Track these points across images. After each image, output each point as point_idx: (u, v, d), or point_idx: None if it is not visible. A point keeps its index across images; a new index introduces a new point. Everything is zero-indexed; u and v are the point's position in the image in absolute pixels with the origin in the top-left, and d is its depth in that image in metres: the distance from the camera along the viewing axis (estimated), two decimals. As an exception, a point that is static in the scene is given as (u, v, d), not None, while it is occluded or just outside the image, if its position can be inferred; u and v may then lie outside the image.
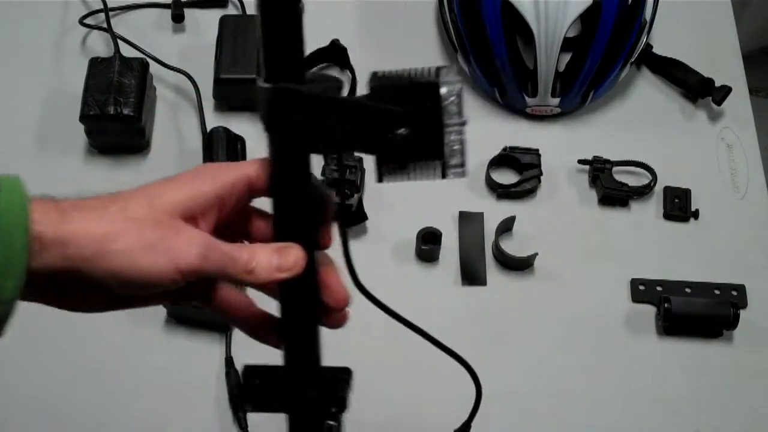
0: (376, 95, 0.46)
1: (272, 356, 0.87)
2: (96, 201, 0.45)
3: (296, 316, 0.51)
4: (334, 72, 1.05)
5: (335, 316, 0.52)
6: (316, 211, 0.49)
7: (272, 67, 0.46)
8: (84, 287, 0.45)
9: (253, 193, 0.49)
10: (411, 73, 0.46)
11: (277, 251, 0.48)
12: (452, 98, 0.46)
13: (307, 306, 0.51)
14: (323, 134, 0.46)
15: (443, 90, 0.45)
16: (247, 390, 0.53)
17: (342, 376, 0.53)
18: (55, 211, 0.43)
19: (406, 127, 0.45)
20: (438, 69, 0.46)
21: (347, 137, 0.46)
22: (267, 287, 0.50)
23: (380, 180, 0.47)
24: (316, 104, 0.45)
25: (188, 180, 0.47)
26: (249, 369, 0.53)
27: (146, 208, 0.45)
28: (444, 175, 0.47)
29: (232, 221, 0.50)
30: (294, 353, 0.53)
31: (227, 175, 0.48)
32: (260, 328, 0.54)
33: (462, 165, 0.47)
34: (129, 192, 0.46)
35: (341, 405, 0.53)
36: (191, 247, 0.45)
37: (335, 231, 0.50)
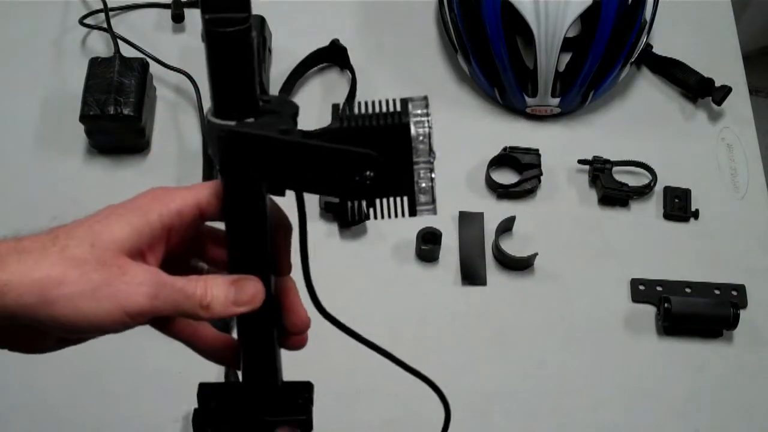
0: (341, 137, 0.43)
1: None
2: (34, 241, 0.42)
3: (253, 340, 0.49)
4: (334, 72, 1.05)
5: (295, 339, 0.50)
6: (272, 240, 0.47)
7: (222, 99, 0.43)
8: (30, 332, 0.43)
9: (205, 218, 0.47)
10: (377, 110, 0.44)
11: (233, 284, 0.45)
12: (422, 137, 0.44)
13: (265, 330, 0.49)
14: (282, 178, 0.44)
15: (413, 131, 0.44)
16: (203, 414, 0.50)
17: (303, 394, 0.51)
18: None
19: (374, 169, 0.43)
20: (405, 103, 0.44)
21: (310, 180, 0.44)
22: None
23: (345, 222, 0.45)
24: (275, 148, 0.43)
25: (132, 211, 0.44)
26: (204, 388, 0.51)
27: (88, 248, 0.42)
28: (413, 213, 0.46)
29: (184, 247, 0.48)
30: (252, 376, 0.50)
31: (174, 202, 0.45)
32: (220, 352, 0.52)
33: (432, 202, 0.46)
34: (69, 228, 0.43)
35: (305, 427, 0.51)
36: (139, 288, 0.42)
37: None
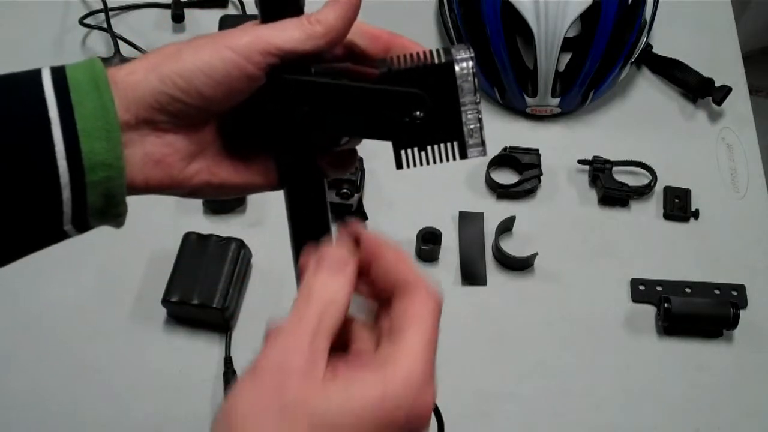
0: (387, 80, 0.45)
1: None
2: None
3: None
4: (334, 72, 1.05)
5: (342, 158, 0.49)
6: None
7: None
8: (170, 109, 0.43)
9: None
10: (421, 55, 0.45)
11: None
12: (467, 76, 0.45)
13: None
14: (335, 124, 0.45)
15: (457, 68, 0.45)
16: None
17: None
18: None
19: (422, 109, 0.45)
20: (448, 48, 0.45)
21: (361, 125, 0.45)
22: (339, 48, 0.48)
23: (399, 166, 0.46)
24: (325, 93, 0.44)
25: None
26: None
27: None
28: (464, 155, 0.46)
29: None
30: None
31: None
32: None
33: (481, 144, 0.46)
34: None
35: None
36: (242, 31, 0.44)
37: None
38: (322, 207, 0.48)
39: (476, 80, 0.45)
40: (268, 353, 0.39)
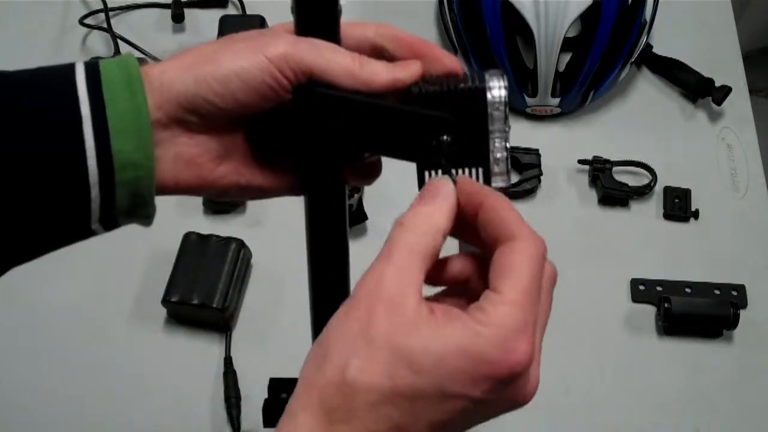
0: (418, 101, 0.44)
1: (271, 356, 0.87)
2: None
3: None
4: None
5: (369, 168, 0.49)
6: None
7: None
8: (198, 112, 0.43)
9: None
10: (455, 78, 0.45)
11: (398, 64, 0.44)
12: (498, 104, 0.44)
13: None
14: (360, 140, 0.45)
15: (489, 96, 0.44)
16: (273, 404, 0.52)
17: None
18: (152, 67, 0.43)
19: (451, 133, 0.44)
20: (483, 73, 0.45)
21: (386, 143, 0.45)
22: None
23: (422, 188, 0.46)
24: (354, 109, 0.44)
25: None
26: (274, 382, 0.52)
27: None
28: (488, 182, 0.46)
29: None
30: None
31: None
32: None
33: (506, 172, 0.46)
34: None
35: None
36: (281, 40, 0.43)
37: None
38: (341, 217, 0.48)
39: (507, 109, 0.44)
40: (364, 282, 0.40)
